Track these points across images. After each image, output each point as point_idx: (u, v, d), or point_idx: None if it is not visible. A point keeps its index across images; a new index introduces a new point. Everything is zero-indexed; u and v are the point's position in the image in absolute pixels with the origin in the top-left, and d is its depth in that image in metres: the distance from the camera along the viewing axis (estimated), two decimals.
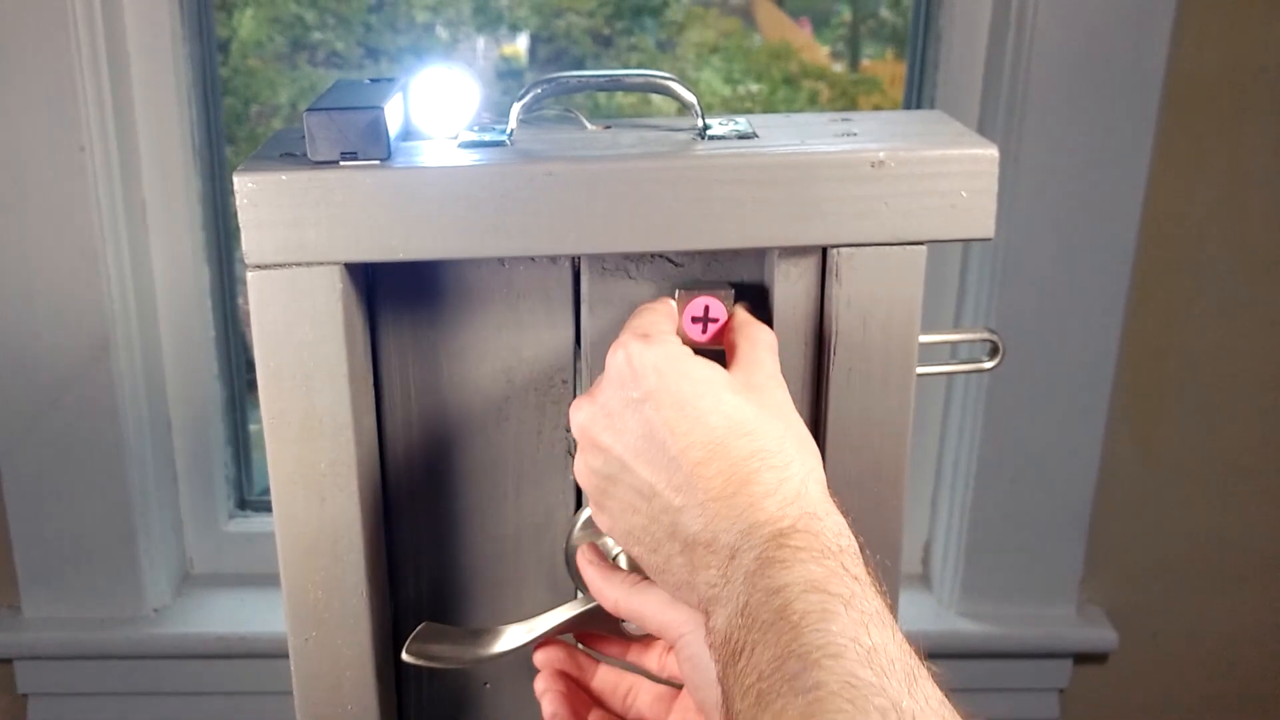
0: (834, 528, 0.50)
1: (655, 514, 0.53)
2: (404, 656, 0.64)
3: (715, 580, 0.50)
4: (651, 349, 0.54)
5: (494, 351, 0.67)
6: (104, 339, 1.14)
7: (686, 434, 0.52)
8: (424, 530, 0.71)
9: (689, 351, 0.55)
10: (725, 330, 0.62)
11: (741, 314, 0.62)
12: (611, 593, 0.59)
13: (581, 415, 0.56)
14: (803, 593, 0.46)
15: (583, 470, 0.56)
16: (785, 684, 0.43)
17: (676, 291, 0.62)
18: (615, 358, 0.55)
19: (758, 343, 0.59)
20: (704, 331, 0.62)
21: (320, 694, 0.66)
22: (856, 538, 0.51)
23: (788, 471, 0.51)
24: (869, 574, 0.49)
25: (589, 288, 0.66)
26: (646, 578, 0.58)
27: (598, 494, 0.56)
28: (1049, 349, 1.18)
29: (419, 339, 0.67)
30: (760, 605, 0.46)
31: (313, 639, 0.65)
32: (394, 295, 0.66)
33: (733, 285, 0.64)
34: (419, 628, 0.65)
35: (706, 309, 0.61)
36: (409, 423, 0.68)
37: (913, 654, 0.45)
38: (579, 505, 0.70)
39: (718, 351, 0.60)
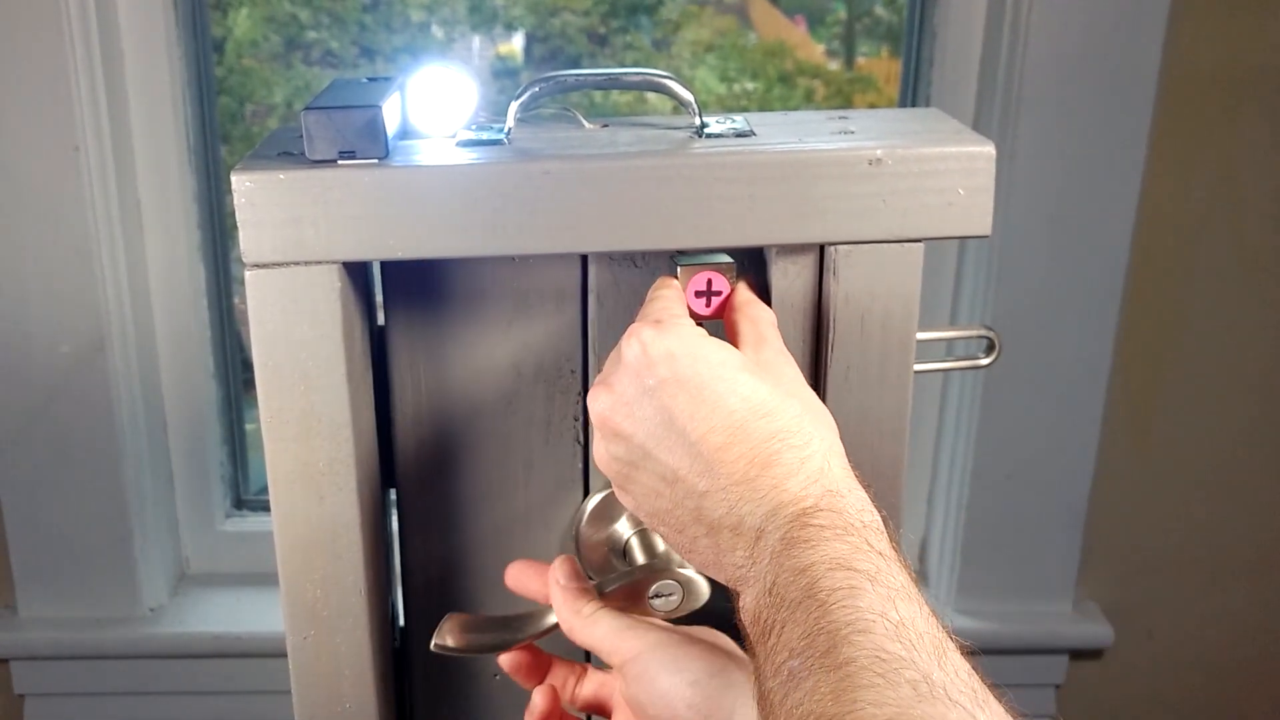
0: (856, 504, 0.50)
1: (679, 499, 0.53)
2: (433, 648, 0.65)
3: (742, 562, 0.50)
4: (664, 335, 0.54)
5: (502, 343, 0.67)
6: (99, 338, 1.14)
7: (706, 419, 0.52)
8: (435, 521, 0.71)
9: (702, 334, 0.55)
10: (727, 306, 0.61)
11: (742, 292, 0.61)
12: (568, 619, 0.63)
13: (600, 404, 0.55)
14: (828, 570, 0.46)
15: (604, 457, 0.56)
16: (816, 661, 0.43)
17: (678, 268, 0.61)
18: (630, 346, 0.54)
19: (760, 320, 0.59)
20: (708, 305, 0.61)
21: (318, 692, 0.66)
22: (879, 511, 0.51)
23: (808, 450, 0.51)
24: (893, 548, 0.49)
25: (596, 278, 0.66)
26: (604, 606, 0.62)
27: (620, 479, 0.56)
28: (1045, 346, 1.19)
29: (428, 331, 0.67)
30: (788, 584, 0.47)
31: (311, 637, 0.65)
32: (403, 289, 0.67)
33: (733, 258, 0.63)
34: (443, 620, 0.66)
35: (709, 283, 0.61)
36: (419, 416, 0.68)
37: (940, 627, 0.45)
38: (587, 493, 0.70)
39: (718, 323, 0.60)
